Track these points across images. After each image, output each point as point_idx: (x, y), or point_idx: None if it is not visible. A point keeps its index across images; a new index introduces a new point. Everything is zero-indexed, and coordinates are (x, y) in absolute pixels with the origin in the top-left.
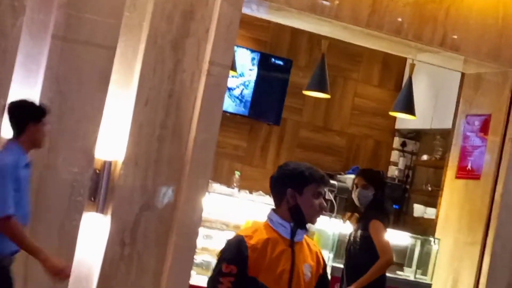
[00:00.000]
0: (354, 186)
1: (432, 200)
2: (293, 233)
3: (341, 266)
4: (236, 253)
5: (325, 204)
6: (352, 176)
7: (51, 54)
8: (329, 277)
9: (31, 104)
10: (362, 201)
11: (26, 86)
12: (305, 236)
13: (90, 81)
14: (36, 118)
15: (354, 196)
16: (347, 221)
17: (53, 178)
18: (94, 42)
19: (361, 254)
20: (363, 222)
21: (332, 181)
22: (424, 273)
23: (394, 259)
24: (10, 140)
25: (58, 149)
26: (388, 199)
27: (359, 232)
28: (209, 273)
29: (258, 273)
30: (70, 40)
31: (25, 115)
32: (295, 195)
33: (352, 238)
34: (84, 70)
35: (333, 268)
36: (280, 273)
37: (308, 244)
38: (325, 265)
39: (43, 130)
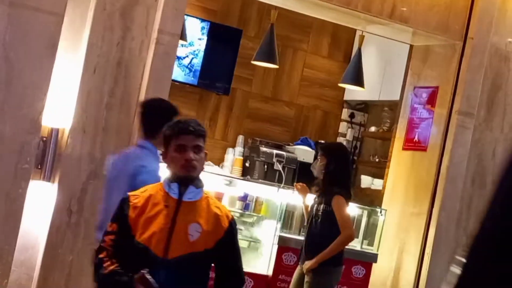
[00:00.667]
0: (318, 159)
1: (379, 172)
2: (180, 192)
3: (289, 235)
4: (118, 212)
5: (190, 156)
6: (301, 146)
7: None
8: (237, 244)
9: (166, 103)
10: (320, 174)
11: None
12: (209, 197)
13: (38, 48)
14: (169, 118)
15: (315, 168)
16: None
17: None
18: (42, 8)
19: (322, 227)
20: (326, 197)
21: (280, 152)
22: (371, 243)
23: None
24: (145, 140)
25: (4, 117)
26: (349, 172)
27: (321, 206)
28: None
29: (136, 231)
30: (18, 6)
31: (160, 115)
32: (167, 154)
33: (314, 211)
34: (31, 37)
35: (280, 237)
36: (156, 231)
37: (209, 205)
38: (230, 230)
39: None
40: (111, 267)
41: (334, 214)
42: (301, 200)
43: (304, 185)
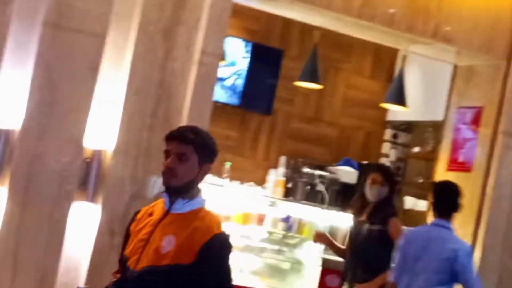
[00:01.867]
0: (370, 181)
1: (423, 193)
2: (170, 204)
3: (333, 257)
4: (127, 225)
5: (168, 162)
6: (343, 167)
7: (41, 41)
8: (221, 262)
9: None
10: (377, 197)
11: (16, 73)
12: (204, 210)
13: (80, 69)
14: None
15: (369, 191)
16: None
17: (42, 167)
18: (85, 30)
19: (377, 248)
20: (379, 217)
21: (323, 173)
22: None
23: None
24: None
25: (47, 138)
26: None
27: (374, 226)
28: None
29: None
30: (61, 28)
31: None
32: None
33: (360, 230)
34: (74, 58)
35: (324, 259)
36: (135, 243)
37: (196, 219)
38: (209, 246)
39: None
40: (112, 280)
41: (387, 234)
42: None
43: (322, 232)
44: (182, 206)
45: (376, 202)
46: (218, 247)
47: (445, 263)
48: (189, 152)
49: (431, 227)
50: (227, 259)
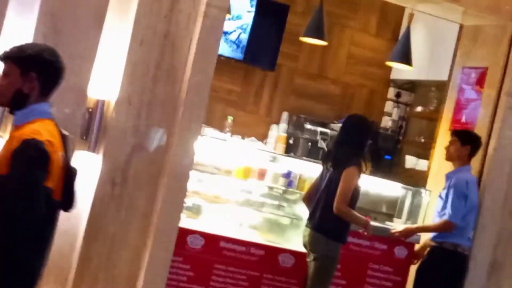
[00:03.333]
0: None
1: (424, 152)
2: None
3: None
4: None
5: None
6: None
7: None
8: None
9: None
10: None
11: (21, 20)
12: (35, 122)
13: (85, 18)
14: None
15: None
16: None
17: None
18: None
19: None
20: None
21: (325, 129)
22: (414, 224)
23: (384, 210)
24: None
25: None
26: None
27: None
28: (199, 217)
29: None
30: None
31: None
32: None
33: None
34: (79, 7)
35: None
36: None
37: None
38: (16, 151)
39: None
40: None
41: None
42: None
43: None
44: (19, 119)
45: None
46: (21, 152)
47: None
48: (9, 67)
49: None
50: (30, 166)
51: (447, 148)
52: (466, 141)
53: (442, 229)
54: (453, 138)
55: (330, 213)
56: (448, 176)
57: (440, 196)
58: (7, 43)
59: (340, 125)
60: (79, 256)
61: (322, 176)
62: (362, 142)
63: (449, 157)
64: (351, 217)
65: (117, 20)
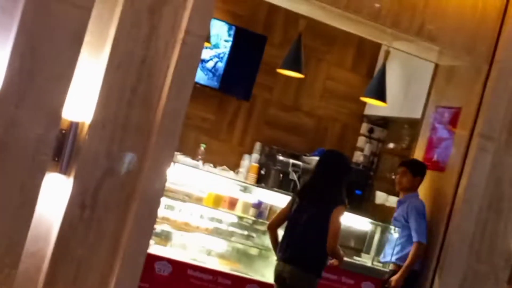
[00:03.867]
0: None
1: (394, 189)
2: None
3: None
4: None
5: None
6: (317, 158)
7: (25, 8)
8: None
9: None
10: None
11: None
12: None
13: (63, 40)
14: None
15: None
16: None
17: (18, 135)
18: (71, 1)
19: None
20: None
21: (297, 162)
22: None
23: (353, 244)
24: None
25: (25, 106)
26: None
27: None
28: (168, 244)
29: None
30: None
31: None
32: None
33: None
34: (58, 28)
35: None
36: None
37: None
38: None
39: None
40: None
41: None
42: None
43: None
44: None
45: None
46: None
47: None
48: None
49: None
50: None
51: (399, 180)
52: (417, 173)
53: (419, 254)
54: (402, 169)
55: (315, 250)
56: (402, 202)
57: (395, 219)
58: None
59: (313, 158)
60: (45, 279)
61: (291, 207)
62: (344, 180)
63: (400, 188)
64: (338, 254)
65: (95, 43)
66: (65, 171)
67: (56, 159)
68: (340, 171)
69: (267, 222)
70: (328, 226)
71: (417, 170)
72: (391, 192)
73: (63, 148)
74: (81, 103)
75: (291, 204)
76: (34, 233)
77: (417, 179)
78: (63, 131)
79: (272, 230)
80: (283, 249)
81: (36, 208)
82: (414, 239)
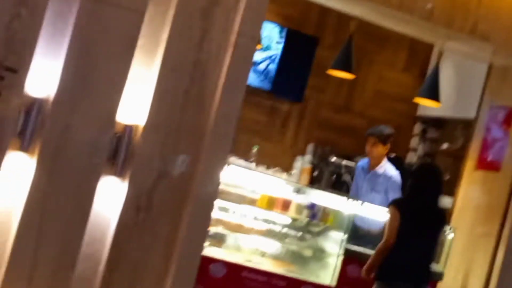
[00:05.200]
0: None
1: (449, 189)
2: None
3: (356, 248)
4: None
5: None
6: None
7: (80, 13)
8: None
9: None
10: None
11: (53, 44)
12: None
13: (117, 44)
14: None
15: None
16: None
17: (73, 139)
18: (124, 5)
19: None
20: None
21: (350, 163)
22: (437, 261)
23: None
24: None
25: (80, 110)
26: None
27: None
28: (222, 245)
29: None
30: (101, 2)
31: None
32: None
33: None
34: (112, 32)
35: (346, 249)
36: None
37: None
38: None
39: None
40: None
41: None
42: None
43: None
44: None
45: None
46: None
47: None
48: None
49: None
50: None
51: (370, 151)
52: (386, 141)
53: None
54: (372, 141)
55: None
56: (378, 173)
57: (374, 190)
58: (38, 65)
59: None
60: (101, 281)
61: (404, 222)
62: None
63: (373, 158)
64: None
65: (149, 47)
66: (120, 174)
67: (111, 162)
68: (441, 188)
69: (321, 224)
70: (436, 247)
71: (386, 139)
72: (445, 192)
73: (118, 151)
74: (134, 106)
75: (399, 219)
76: (90, 236)
77: (387, 147)
78: (118, 135)
79: (388, 250)
80: (407, 269)
81: (92, 210)
82: None
